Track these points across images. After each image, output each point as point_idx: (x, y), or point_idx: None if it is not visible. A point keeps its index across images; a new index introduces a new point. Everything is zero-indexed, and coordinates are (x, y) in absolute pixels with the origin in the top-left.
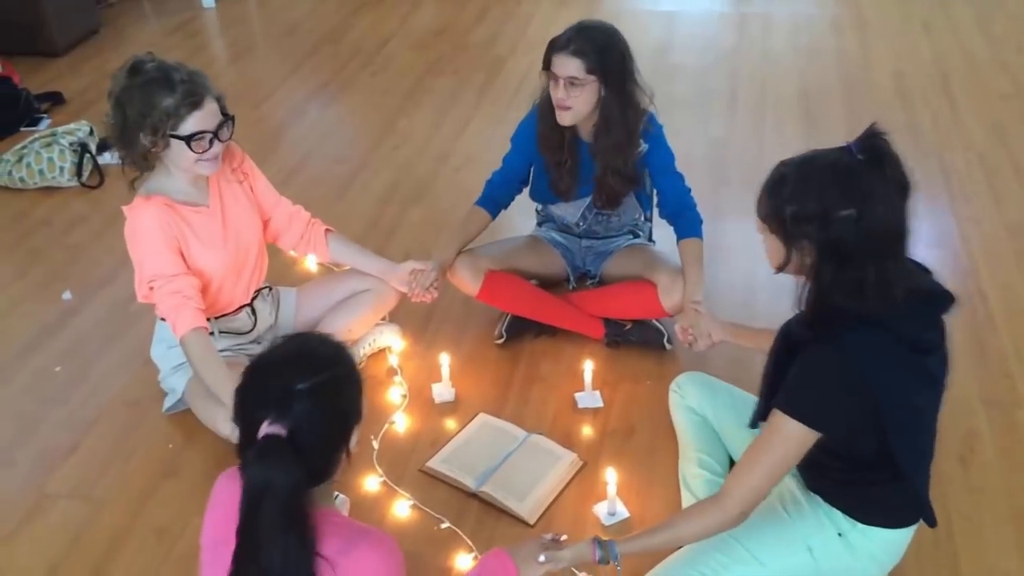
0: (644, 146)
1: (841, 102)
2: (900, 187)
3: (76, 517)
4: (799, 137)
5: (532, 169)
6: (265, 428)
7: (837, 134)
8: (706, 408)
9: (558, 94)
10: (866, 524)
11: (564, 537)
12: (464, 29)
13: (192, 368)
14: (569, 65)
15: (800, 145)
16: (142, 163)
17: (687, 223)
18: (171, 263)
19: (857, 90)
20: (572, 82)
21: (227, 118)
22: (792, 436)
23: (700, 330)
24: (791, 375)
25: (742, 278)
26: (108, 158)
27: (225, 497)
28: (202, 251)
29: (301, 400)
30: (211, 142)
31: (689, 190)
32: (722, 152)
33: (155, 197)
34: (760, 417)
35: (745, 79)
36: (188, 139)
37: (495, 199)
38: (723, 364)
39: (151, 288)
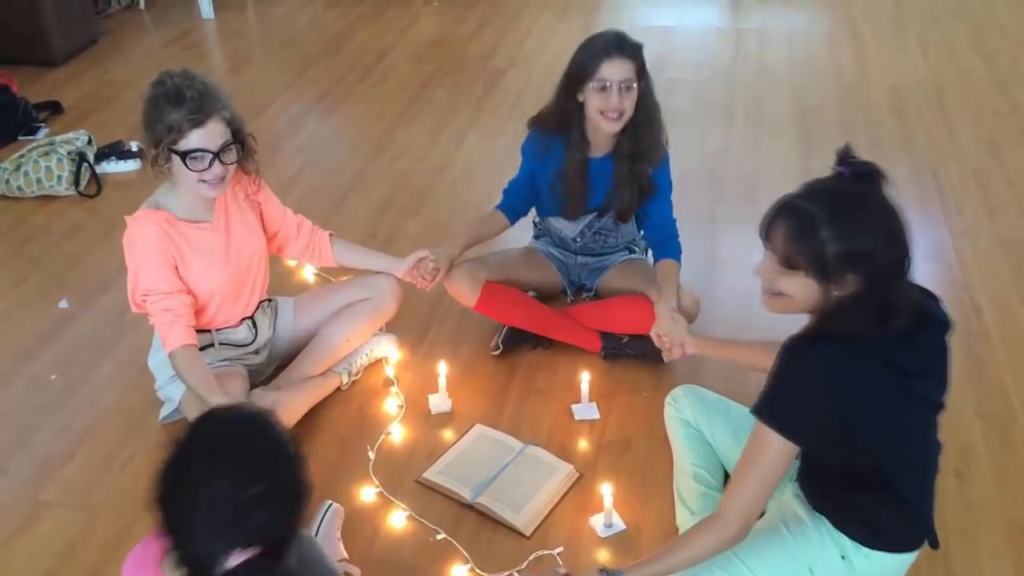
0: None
1: (837, 117)
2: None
3: (70, 526)
4: (795, 151)
5: (537, 183)
6: (236, 560)
7: (833, 148)
8: (701, 421)
9: (612, 100)
10: (871, 548)
11: (560, 550)
12: (463, 42)
13: (179, 377)
14: (624, 68)
15: (796, 159)
16: (156, 169)
17: (668, 251)
18: (165, 280)
19: (852, 105)
20: (627, 85)
21: (235, 140)
22: (772, 446)
23: (674, 338)
24: (769, 376)
25: (738, 291)
26: (106, 167)
27: None
28: (201, 267)
29: (262, 508)
30: (211, 162)
31: (675, 221)
32: (719, 166)
33: (158, 211)
34: None
35: (741, 94)
36: (184, 155)
37: (511, 206)
38: (719, 377)
39: (143, 300)
